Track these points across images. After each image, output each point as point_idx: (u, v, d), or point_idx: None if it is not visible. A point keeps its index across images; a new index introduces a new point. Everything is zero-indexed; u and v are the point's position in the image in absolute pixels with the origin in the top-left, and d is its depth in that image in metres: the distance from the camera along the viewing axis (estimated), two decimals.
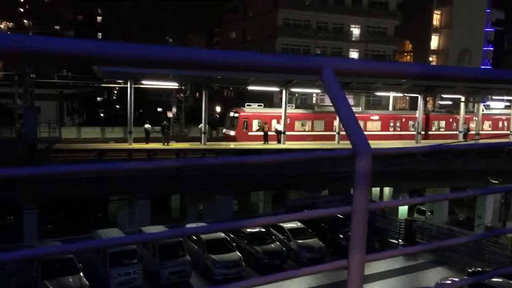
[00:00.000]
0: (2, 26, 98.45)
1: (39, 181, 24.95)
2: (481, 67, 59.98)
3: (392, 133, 40.69)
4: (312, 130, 38.06)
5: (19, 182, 24.43)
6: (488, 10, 68.13)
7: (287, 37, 57.93)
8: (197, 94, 57.10)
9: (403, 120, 41.44)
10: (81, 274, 19.35)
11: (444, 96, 46.51)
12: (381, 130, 40.18)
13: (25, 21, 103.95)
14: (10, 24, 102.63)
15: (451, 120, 43.53)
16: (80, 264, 19.78)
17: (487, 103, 48.94)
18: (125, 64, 1.37)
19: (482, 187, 31.32)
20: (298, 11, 58.00)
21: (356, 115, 1.70)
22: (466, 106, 44.34)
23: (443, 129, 43.22)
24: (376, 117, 40.75)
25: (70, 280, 18.88)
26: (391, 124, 41.15)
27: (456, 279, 20.05)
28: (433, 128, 43.23)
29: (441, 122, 43.80)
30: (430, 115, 44.02)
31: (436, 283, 20.21)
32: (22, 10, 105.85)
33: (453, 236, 27.34)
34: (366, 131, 40.01)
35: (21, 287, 20.45)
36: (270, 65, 1.56)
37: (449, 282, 19.26)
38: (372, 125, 40.02)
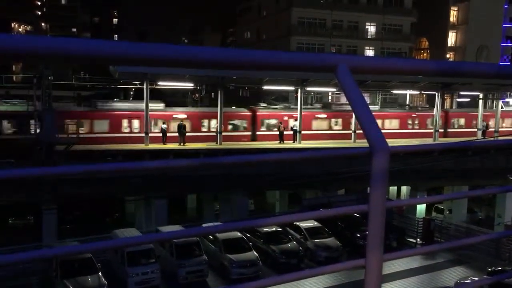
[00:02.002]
0: (20, 30, 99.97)
1: (58, 182, 25.30)
2: (500, 63, 59.06)
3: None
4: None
5: (38, 182, 24.80)
6: (506, 6, 67.05)
7: (302, 35, 57.75)
8: (213, 94, 57.27)
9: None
10: (100, 273, 19.53)
11: (461, 93, 45.95)
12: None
13: (42, 24, 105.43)
14: (28, 27, 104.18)
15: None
16: (98, 264, 19.98)
17: (506, 100, 48.20)
18: (143, 64, 1.37)
19: (502, 185, 30.87)
20: (312, 10, 57.78)
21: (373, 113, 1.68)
22: (485, 103, 43.72)
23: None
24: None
25: (89, 279, 19.07)
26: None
27: (476, 279, 19.79)
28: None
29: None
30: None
31: (456, 283, 19.97)
32: (39, 13, 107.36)
33: (472, 235, 27.00)
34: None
35: (41, 286, 20.74)
36: (286, 63, 1.56)
37: (468, 281, 19.02)
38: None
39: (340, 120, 38.35)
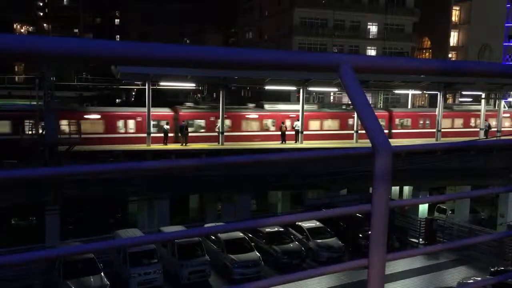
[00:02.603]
0: (22, 30, 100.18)
1: (60, 182, 25.33)
2: (502, 63, 58.96)
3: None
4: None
5: (41, 183, 24.85)
6: (508, 5, 66.94)
7: (304, 35, 57.76)
8: (214, 95, 57.32)
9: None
10: (102, 274, 19.57)
11: (464, 93, 45.89)
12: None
13: (44, 24, 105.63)
14: (30, 28, 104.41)
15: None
16: (101, 264, 20.01)
17: (509, 99, 48.08)
18: (144, 64, 1.37)
19: (505, 184, 30.78)
20: (314, 10, 57.78)
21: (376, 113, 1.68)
22: (487, 103, 43.62)
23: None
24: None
25: (92, 280, 19.11)
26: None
27: (479, 279, 19.75)
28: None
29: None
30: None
31: (458, 283, 19.95)
32: (41, 14, 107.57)
33: (475, 234, 26.95)
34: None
35: (44, 287, 20.78)
36: (289, 62, 1.55)
37: (471, 281, 18.98)
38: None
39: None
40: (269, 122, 35.76)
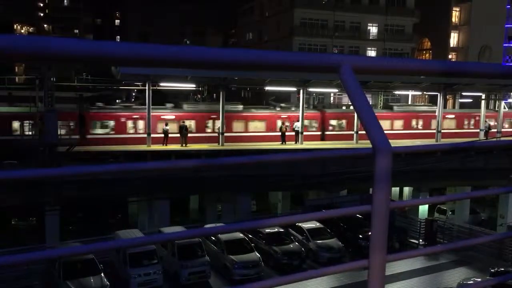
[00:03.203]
0: (23, 31, 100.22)
1: (61, 183, 25.35)
2: (502, 64, 58.97)
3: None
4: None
5: (41, 183, 24.85)
6: (508, 6, 66.97)
7: (304, 36, 57.78)
8: (214, 95, 57.36)
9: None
10: (102, 274, 19.56)
11: (464, 94, 45.88)
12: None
13: (45, 25, 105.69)
14: (31, 29, 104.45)
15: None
16: (101, 265, 20.01)
17: (509, 100, 48.11)
18: (144, 65, 1.37)
19: (505, 185, 30.79)
20: (314, 11, 57.82)
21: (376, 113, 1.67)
22: (487, 104, 43.63)
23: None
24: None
25: (92, 280, 19.10)
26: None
27: (479, 280, 19.73)
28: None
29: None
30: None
31: (459, 284, 19.95)
32: (42, 14, 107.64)
33: (475, 235, 26.95)
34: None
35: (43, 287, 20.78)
36: (290, 63, 1.55)
37: (471, 282, 18.98)
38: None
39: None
40: (191, 123, 33.52)
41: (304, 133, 35.27)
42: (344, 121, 37.91)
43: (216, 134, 33.42)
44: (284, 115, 36.01)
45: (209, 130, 34.10)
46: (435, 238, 28.16)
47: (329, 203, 29.70)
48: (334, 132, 37.58)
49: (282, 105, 39.06)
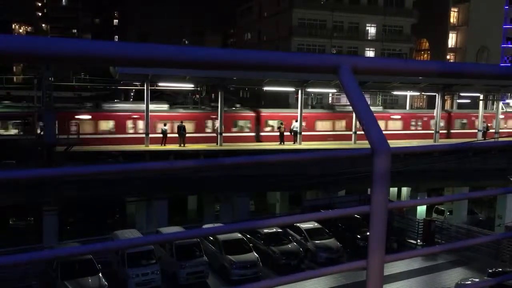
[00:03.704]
0: (21, 31, 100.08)
1: (59, 183, 25.30)
2: (500, 64, 59.06)
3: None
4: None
5: (39, 183, 24.81)
6: (507, 7, 67.08)
7: (303, 37, 57.77)
8: (213, 95, 57.32)
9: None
10: (100, 274, 19.53)
11: (462, 94, 45.94)
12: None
13: (43, 25, 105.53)
14: (29, 28, 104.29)
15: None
16: (99, 265, 19.98)
17: (507, 101, 48.19)
18: (143, 65, 1.37)
19: (503, 186, 30.84)
20: (313, 11, 57.82)
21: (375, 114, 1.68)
22: (485, 104, 43.70)
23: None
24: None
25: (90, 280, 19.06)
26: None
27: (477, 280, 19.76)
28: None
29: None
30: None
31: (456, 284, 19.96)
32: (40, 14, 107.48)
33: (473, 236, 26.97)
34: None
35: None
36: (288, 63, 1.55)
37: (469, 282, 19.00)
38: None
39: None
40: (108, 124, 32.06)
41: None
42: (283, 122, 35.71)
43: (139, 136, 31.62)
44: (214, 115, 34.03)
45: (131, 131, 32.41)
46: (433, 238, 28.18)
47: (327, 204, 29.72)
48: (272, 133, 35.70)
49: (238, 105, 38.53)
